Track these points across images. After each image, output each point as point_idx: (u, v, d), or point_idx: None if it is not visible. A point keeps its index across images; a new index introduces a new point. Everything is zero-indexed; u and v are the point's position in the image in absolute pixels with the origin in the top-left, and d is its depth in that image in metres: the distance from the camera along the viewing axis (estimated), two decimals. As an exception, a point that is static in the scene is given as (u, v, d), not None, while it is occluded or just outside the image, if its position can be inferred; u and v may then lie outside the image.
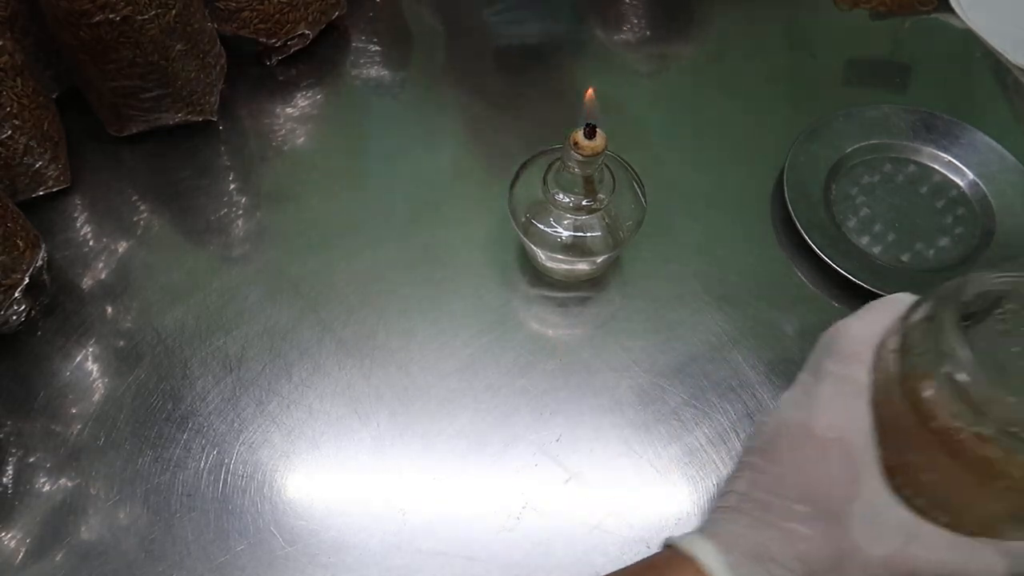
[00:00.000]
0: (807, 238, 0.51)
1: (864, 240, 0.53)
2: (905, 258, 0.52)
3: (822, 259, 0.51)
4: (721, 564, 0.32)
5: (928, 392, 0.30)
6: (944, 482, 0.31)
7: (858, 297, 0.50)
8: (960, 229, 0.54)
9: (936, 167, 0.57)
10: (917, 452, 0.31)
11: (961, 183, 0.56)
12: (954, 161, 0.56)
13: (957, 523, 0.32)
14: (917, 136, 0.57)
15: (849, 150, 0.57)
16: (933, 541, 0.31)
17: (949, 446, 0.30)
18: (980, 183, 0.55)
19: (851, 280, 0.50)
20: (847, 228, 0.53)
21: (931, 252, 0.53)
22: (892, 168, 0.57)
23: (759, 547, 0.32)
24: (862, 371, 0.33)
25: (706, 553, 0.33)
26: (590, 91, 0.43)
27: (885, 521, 0.31)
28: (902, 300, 0.35)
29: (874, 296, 0.49)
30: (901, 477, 0.32)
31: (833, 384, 0.33)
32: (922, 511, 0.32)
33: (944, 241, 0.53)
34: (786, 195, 0.53)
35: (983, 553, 0.31)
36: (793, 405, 0.34)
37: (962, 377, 0.29)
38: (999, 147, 0.55)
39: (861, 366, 0.33)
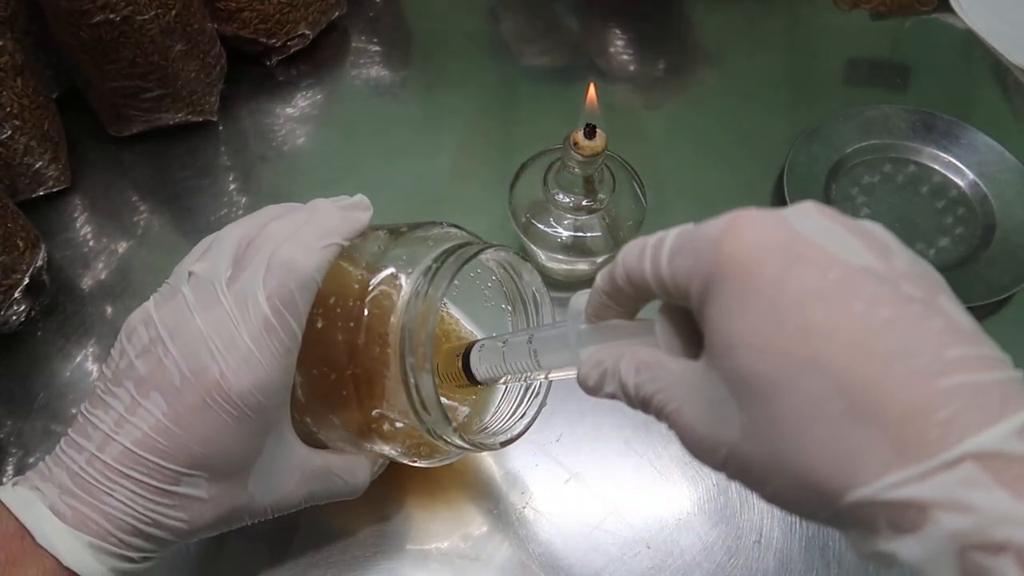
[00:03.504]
0: None
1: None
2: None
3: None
4: (90, 554, 0.28)
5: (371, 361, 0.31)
6: (344, 423, 0.33)
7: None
8: (960, 229, 0.54)
9: (936, 167, 0.57)
10: (333, 399, 0.33)
11: (961, 183, 0.56)
12: (954, 161, 0.56)
13: (341, 448, 0.35)
14: (917, 136, 0.57)
15: (849, 150, 0.57)
16: (319, 472, 0.33)
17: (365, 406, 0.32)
18: (980, 183, 0.55)
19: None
20: None
21: (931, 252, 0.53)
22: (892, 168, 0.57)
23: (142, 518, 0.28)
24: (298, 322, 0.29)
25: (69, 549, 0.27)
26: (591, 88, 0.43)
27: (284, 466, 0.32)
28: (357, 209, 0.34)
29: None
30: (310, 418, 0.34)
31: (261, 335, 0.28)
32: (322, 442, 0.34)
33: (944, 241, 0.53)
34: (786, 195, 0.53)
35: (353, 471, 0.35)
36: (209, 349, 0.28)
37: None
38: (999, 147, 0.55)
39: (298, 316, 0.29)
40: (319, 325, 0.31)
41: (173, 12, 0.50)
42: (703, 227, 0.24)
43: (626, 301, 0.27)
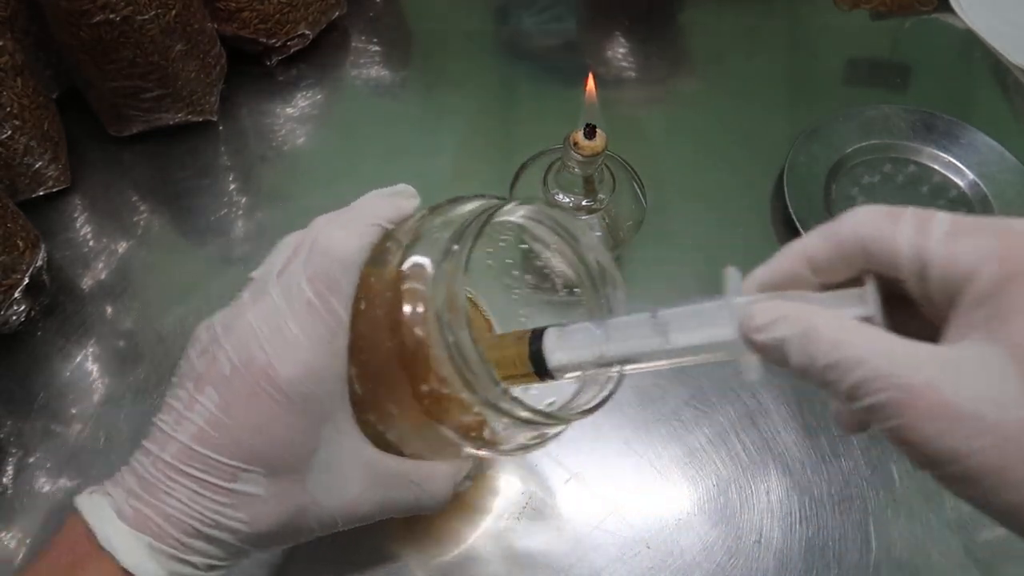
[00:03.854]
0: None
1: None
2: None
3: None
4: (149, 557, 0.27)
5: (415, 337, 0.29)
6: (413, 422, 0.31)
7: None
8: None
9: (936, 167, 0.57)
10: (392, 392, 0.30)
11: (961, 183, 0.56)
12: (954, 161, 0.56)
13: (424, 452, 0.32)
14: (917, 136, 0.57)
15: (849, 150, 0.57)
16: (391, 477, 0.31)
17: (426, 393, 0.30)
18: (980, 183, 0.55)
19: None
20: None
21: None
22: (892, 168, 0.57)
23: (202, 518, 0.28)
24: (343, 305, 0.29)
25: (130, 549, 0.27)
26: (590, 79, 0.43)
27: (348, 466, 0.30)
28: (401, 196, 0.32)
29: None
30: (374, 414, 0.31)
31: (307, 319, 0.28)
32: (392, 445, 0.31)
33: None
34: (786, 195, 0.53)
35: (432, 481, 0.32)
36: (258, 338, 0.28)
37: (451, 346, 0.28)
38: (999, 147, 0.55)
39: (342, 298, 0.29)
40: (363, 307, 0.30)
41: (173, 12, 0.50)
42: (1001, 219, 0.23)
43: (831, 272, 0.25)
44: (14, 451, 0.45)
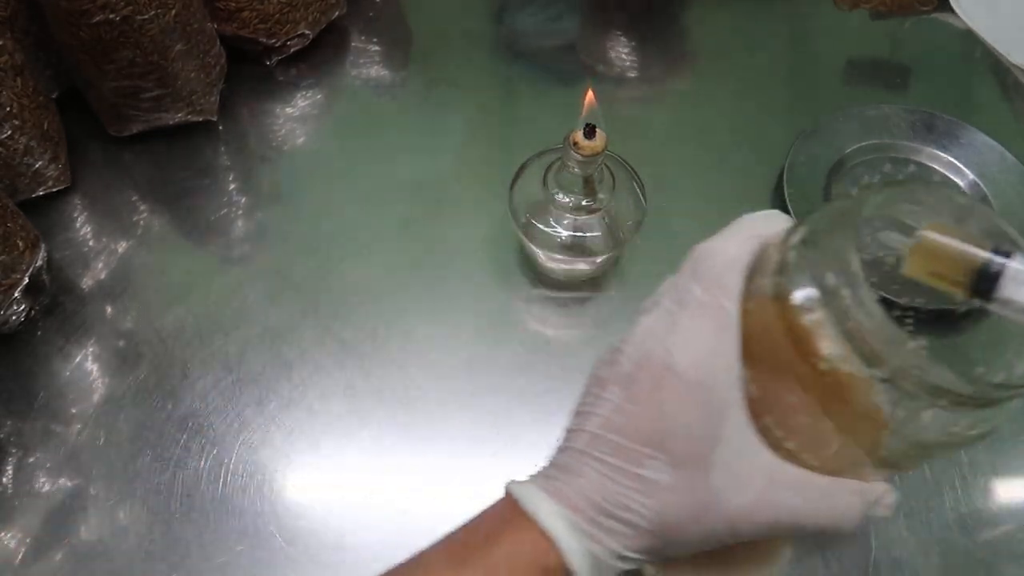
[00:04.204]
0: None
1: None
2: None
3: (822, 259, 0.51)
4: (567, 527, 0.29)
5: (810, 325, 0.27)
6: (816, 424, 0.29)
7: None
8: None
9: (936, 167, 0.57)
10: (791, 391, 0.29)
11: (961, 183, 0.56)
12: (954, 161, 0.56)
13: (826, 466, 0.30)
14: (917, 136, 0.57)
15: (849, 150, 0.57)
16: (795, 485, 0.29)
17: (828, 386, 0.27)
18: (980, 183, 0.55)
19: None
20: None
21: None
22: (892, 168, 0.57)
23: (610, 499, 0.29)
24: (730, 300, 0.30)
25: (551, 516, 0.29)
26: (589, 93, 0.43)
27: (748, 467, 0.29)
28: (773, 218, 0.32)
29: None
30: (771, 417, 0.30)
31: (698, 315, 0.30)
32: (791, 453, 0.30)
33: None
34: (786, 195, 0.53)
35: (841, 496, 0.30)
36: (655, 336, 0.30)
37: (856, 313, 0.26)
38: (999, 147, 0.55)
39: (729, 295, 0.30)
40: (750, 307, 0.30)
41: (173, 12, 0.50)
42: None
43: None
44: (14, 451, 0.45)
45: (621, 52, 0.65)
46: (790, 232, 0.30)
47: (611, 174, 0.46)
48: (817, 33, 0.67)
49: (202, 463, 0.45)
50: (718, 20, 0.67)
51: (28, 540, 0.43)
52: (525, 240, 0.48)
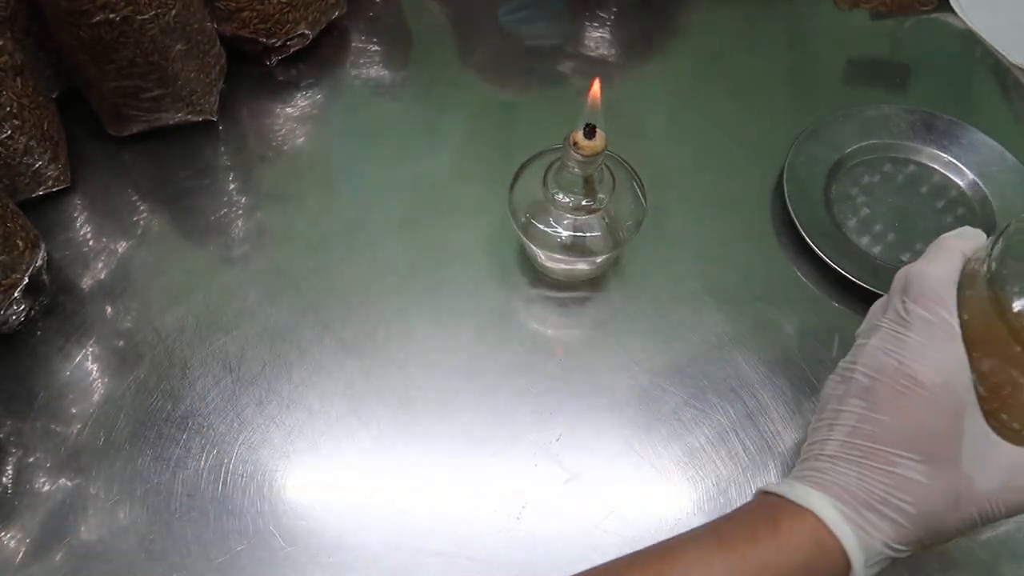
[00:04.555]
0: (807, 238, 0.51)
1: (864, 240, 0.53)
2: (905, 258, 0.52)
3: (822, 259, 0.51)
4: (840, 516, 0.32)
5: None
6: None
7: (859, 297, 0.51)
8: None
9: (936, 167, 0.57)
10: (1021, 387, 0.33)
11: (961, 183, 0.56)
12: (954, 161, 0.56)
13: None
14: (917, 136, 0.57)
15: (849, 150, 0.57)
16: None
17: None
18: (980, 183, 0.55)
19: (850, 282, 0.50)
20: (847, 228, 0.53)
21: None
22: (892, 168, 0.57)
23: (872, 495, 0.32)
24: (951, 314, 0.34)
25: (823, 505, 0.33)
26: (595, 84, 0.43)
27: (991, 457, 0.33)
28: (967, 235, 0.36)
29: (876, 296, 0.50)
30: (1004, 412, 0.33)
31: (926, 329, 0.34)
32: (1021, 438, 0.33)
33: None
34: (786, 195, 0.53)
35: None
36: (887, 352, 0.34)
37: None
38: (999, 147, 0.55)
39: (949, 309, 0.34)
40: (966, 318, 0.34)
41: (173, 12, 0.50)
42: None
43: None
44: (14, 451, 0.45)
45: (622, 52, 0.65)
46: (991, 246, 0.34)
47: (611, 174, 0.46)
48: (817, 33, 0.67)
49: (202, 463, 0.45)
50: (718, 20, 0.67)
51: (28, 540, 0.43)
52: (525, 240, 0.48)
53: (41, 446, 0.46)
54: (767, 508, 0.34)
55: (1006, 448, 0.33)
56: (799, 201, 0.53)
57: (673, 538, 0.35)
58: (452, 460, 0.45)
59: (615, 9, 0.68)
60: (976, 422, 0.33)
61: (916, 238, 0.53)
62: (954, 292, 0.34)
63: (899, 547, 0.33)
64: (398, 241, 0.54)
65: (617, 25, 0.67)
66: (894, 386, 0.33)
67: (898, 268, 0.51)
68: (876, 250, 0.53)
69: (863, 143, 0.57)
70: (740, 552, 0.32)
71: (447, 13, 0.67)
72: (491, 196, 0.54)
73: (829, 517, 0.32)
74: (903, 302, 0.35)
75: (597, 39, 0.66)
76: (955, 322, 0.33)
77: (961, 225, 0.53)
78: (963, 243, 0.36)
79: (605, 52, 0.65)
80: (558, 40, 0.66)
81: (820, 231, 0.52)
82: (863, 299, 0.51)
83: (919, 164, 0.57)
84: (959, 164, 0.56)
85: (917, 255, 0.52)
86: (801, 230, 0.52)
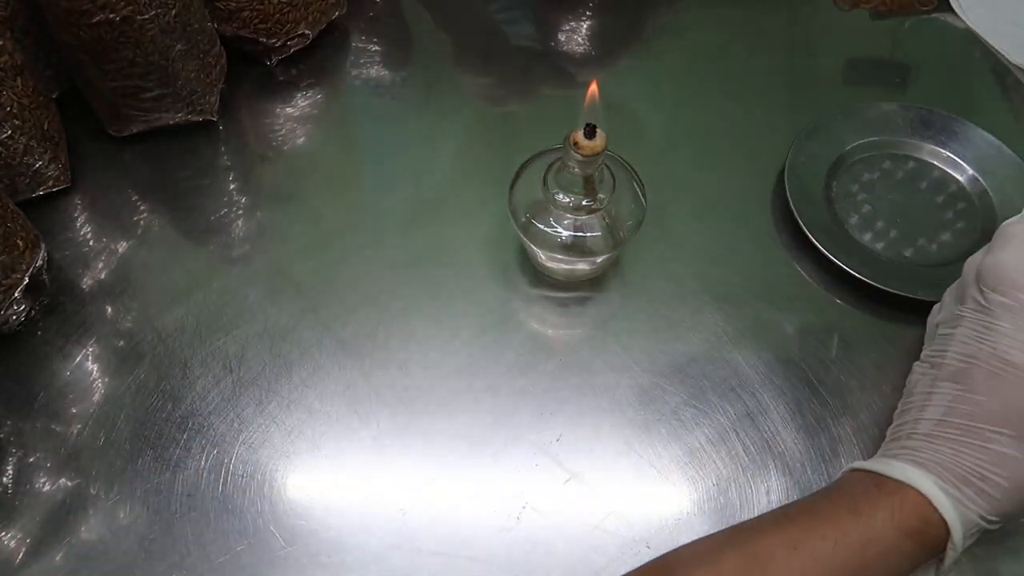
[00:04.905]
0: (810, 235, 0.51)
1: (866, 236, 0.53)
2: (908, 253, 0.53)
3: (822, 259, 0.51)
4: (940, 491, 0.34)
5: None
6: None
7: (859, 297, 0.51)
8: (961, 223, 0.54)
9: (936, 163, 0.57)
10: None
11: (961, 178, 0.56)
12: (953, 156, 0.57)
13: None
14: (916, 132, 0.58)
15: (848, 148, 0.57)
16: None
17: None
18: (979, 178, 0.55)
19: (851, 279, 0.50)
20: (849, 225, 0.54)
21: (933, 247, 0.53)
22: (892, 165, 0.57)
23: (969, 471, 0.34)
24: None
25: (924, 481, 0.34)
26: (593, 85, 0.43)
27: None
28: None
29: (877, 294, 0.50)
30: None
31: (1010, 315, 0.36)
32: None
33: (946, 236, 0.53)
34: (788, 194, 0.53)
35: None
36: (976, 338, 0.36)
37: None
38: (997, 142, 0.56)
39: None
40: None
41: (173, 12, 0.50)
42: None
43: None
44: (14, 451, 0.45)
45: (622, 52, 0.65)
46: None
47: (611, 174, 0.46)
48: (817, 33, 0.67)
49: (202, 463, 0.45)
50: (718, 20, 0.67)
51: (28, 540, 0.43)
52: (525, 240, 0.48)
53: (41, 446, 0.46)
54: (865, 485, 0.36)
55: None
56: (800, 200, 0.53)
57: (766, 514, 0.37)
58: (452, 460, 0.45)
59: (615, 9, 0.67)
60: None
61: (918, 233, 0.53)
62: None
63: (993, 519, 0.34)
64: (398, 241, 0.54)
65: (617, 25, 0.67)
66: (989, 368, 0.35)
67: (901, 263, 0.52)
68: (879, 246, 0.53)
69: (862, 140, 0.57)
70: (843, 527, 0.34)
71: (445, 14, 0.67)
72: (491, 196, 0.54)
73: (931, 492, 0.34)
74: (981, 291, 0.37)
75: (597, 39, 0.66)
76: None
77: (962, 220, 0.54)
78: None
79: (605, 52, 0.65)
80: (558, 40, 0.66)
81: (822, 228, 0.52)
82: (863, 298, 0.51)
83: (918, 160, 0.57)
84: (958, 159, 0.56)
85: (919, 250, 0.53)
86: (804, 228, 0.52)
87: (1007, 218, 0.53)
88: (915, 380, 0.39)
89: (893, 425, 0.39)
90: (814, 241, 0.51)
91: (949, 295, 0.41)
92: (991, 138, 0.56)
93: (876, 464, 0.36)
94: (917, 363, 0.40)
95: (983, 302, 0.37)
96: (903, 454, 0.36)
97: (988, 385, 0.35)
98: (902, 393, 0.41)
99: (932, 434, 0.35)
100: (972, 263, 0.39)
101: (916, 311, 0.47)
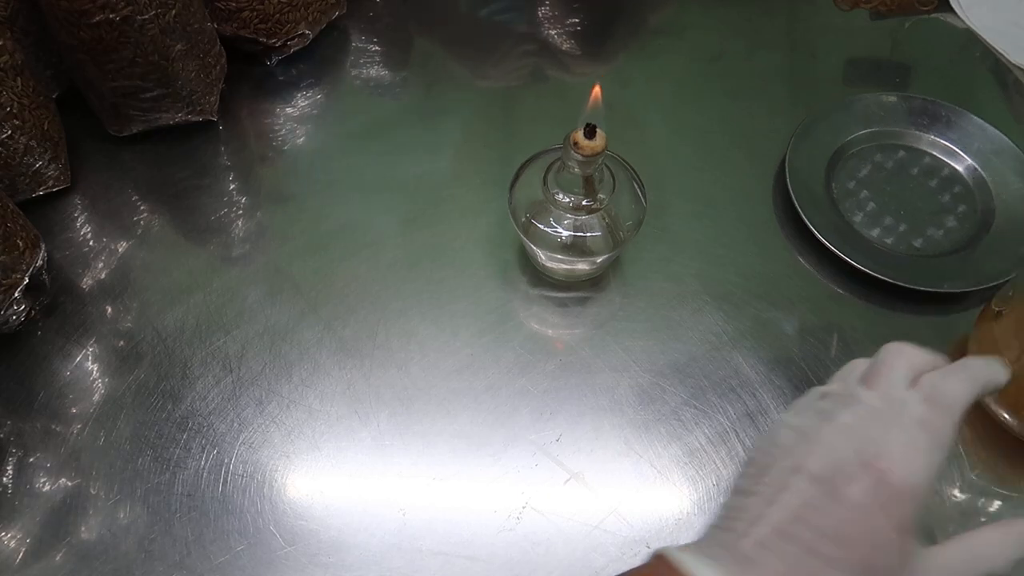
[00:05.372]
0: (813, 230, 0.51)
1: (866, 228, 0.54)
2: (918, 243, 0.53)
3: (822, 259, 0.51)
4: None
5: None
6: None
7: (858, 296, 0.51)
8: (962, 208, 0.55)
9: (935, 153, 0.58)
10: None
11: (959, 168, 0.57)
12: (951, 146, 0.57)
13: None
14: (914, 123, 0.58)
15: (847, 140, 0.57)
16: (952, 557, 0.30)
17: None
18: (978, 167, 0.56)
19: (850, 279, 0.50)
20: (850, 219, 0.54)
21: (940, 233, 0.53)
22: (891, 157, 0.57)
23: None
24: (950, 427, 0.31)
25: None
26: (596, 88, 0.43)
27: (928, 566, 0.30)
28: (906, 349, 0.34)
29: (879, 290, 0.50)
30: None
31: (922, 433, 0.30)
32: None
33: (950, 222, 0.54)
34: (789, 187, 0.53)
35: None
36: (859, 439, 0.30)
37: None
38: (996, 131, 0.57)
39: (951, 423, 0.31)
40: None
41: (173, 12, 0.50)
42: None
43: None
44: (14, 451, 0.45)
45: (622, 52, 0.65)
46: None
47: (611, 174, 0.46)
48: (817, 33, 0.67)
49: (202, 463, 0.45)
50: (718, 20, 0.67)
51: (28, 540, 0.43)
52: (525, 240, 0.48)
53: (41, 446, 0.46)
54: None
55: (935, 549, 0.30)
56: (801, 193, 0.53)
57: None
58: (452, 460, 0.45)
59: (615, 8, 0.67)
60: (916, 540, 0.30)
61: (920, 223, 0.54)
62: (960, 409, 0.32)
63: None
64: (398, 241, 0.54)
65: (619, 25, 0.67)
66: (864, 482, 0.29)
67: (905, 254, 0.52)
68: (885, 240, 0.53)
69: (861, 132, 0.58)
70: None
71: (445, 14, 0.67)
72: (491, 196, 0.54)
73: None
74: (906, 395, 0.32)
75: (597, 39, 0.66)
76: (948, 441, 0.31)
77: (963, 204, 0.54)
78: (995, 372, 0.34)
79: (605, 51, 0.65)
80: (560, 40, 0.66)
81: (825, 224, 0.52)
82: (862, 298, 0.51)
83: (918, 151, 0.58)
84: (956, 149, 0.57)
85: (927, 240, 0.53)
86: (807, 222, 0.52)
87: (1007, 208, 0.53)
88: (762, 452, 0.31)
89: (730, 498, 0.31)
90: (818, 235, 0.51)
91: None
92: (988, 127, 0.57)
93: (687, 560, 0.29)
94: (771, 428, 0.33)
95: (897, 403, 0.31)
96: (724, 557, 0.29)
97: (857, 502, 0.29)
98: None
99: (766, 545, 0.28)
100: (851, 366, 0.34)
101: (916, 310, 0.47)
